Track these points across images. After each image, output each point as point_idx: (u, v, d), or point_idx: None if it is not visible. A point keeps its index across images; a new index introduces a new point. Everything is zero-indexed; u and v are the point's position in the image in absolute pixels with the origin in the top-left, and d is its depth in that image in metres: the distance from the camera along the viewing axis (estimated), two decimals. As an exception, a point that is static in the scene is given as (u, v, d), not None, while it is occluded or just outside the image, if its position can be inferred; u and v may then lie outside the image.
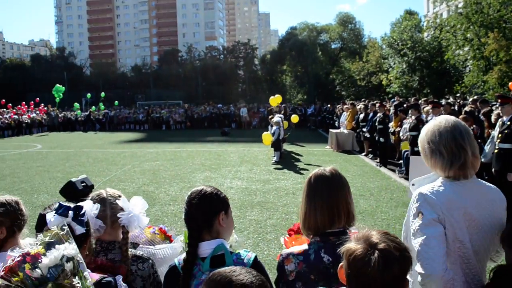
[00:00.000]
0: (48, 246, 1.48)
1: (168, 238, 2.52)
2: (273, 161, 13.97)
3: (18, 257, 1.41)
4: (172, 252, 2.35)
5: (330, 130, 18.50)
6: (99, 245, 2.09)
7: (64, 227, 1.59)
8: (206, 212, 1.93)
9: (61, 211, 1.78)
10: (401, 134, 12.16)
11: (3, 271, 1.39)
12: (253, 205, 8.35)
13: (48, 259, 1.44)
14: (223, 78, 57.80)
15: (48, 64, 65.58)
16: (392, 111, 14.13)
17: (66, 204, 1.85)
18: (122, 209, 2.11)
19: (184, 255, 1.98)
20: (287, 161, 14.15)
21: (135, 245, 2.30)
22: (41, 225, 2.07)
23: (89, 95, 39.28)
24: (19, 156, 17.52)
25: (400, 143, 12.68)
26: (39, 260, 1.42)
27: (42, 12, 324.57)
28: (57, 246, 1.49)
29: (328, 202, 1.94)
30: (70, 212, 1.80)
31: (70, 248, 1.49)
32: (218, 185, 9.44)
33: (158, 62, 75.85)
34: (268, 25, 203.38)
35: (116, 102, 40.43)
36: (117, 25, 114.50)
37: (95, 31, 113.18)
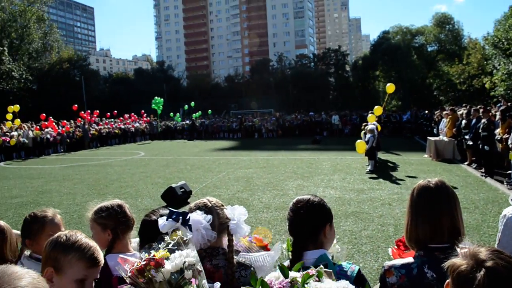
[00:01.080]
0: (171, 251, 1.58)
1: (264, 247, 2.56)
2: (367, 170, 13.60)
3: (144, 260, 1.55)
4: (270, 260, 2.39)
5: (428, 137, 17.54)
6: (204, 251, 2.15)
7: (187, 234, 1.70)
8: (313, 222, 1.95)
9: (174, 216, 1.88)
10: (509, 141, 11.20)
11: (130, 272, 1.55)
12: (347, 215, 8.20)
13: (171, 265, 1.54)
14: (313, 86, 57.58)
15: (149, 77, 70.31)
16: (498, 116, 13.04)
17: (175, 210, 1.95)
18: (227, 218, 2.17)
19: (286, 263, 2.00)
20: (382, 170, 13.69)
21: (237, 252, 2.35)
22: (145, 230, 2.28)
23: (192, 103, 41.39)
24: (124, 163, 18.88)
25: (508, 151, 11.65)
26: (163, 265, 1.53)
27: (144, 30, 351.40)
28: (179, 252, 1.58)
29: (431, 216, 1.86)
30: (180, 218, 1.91)
31: (191, 256, 1.58)
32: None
33: (250, 72, 77.62)
34: (359, 30, 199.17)
35: (210, 111, 42.21)
36: (211, 38, 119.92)
37: (191, 44, 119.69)
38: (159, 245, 1.68)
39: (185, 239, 1.66)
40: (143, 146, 29.13)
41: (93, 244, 1.77)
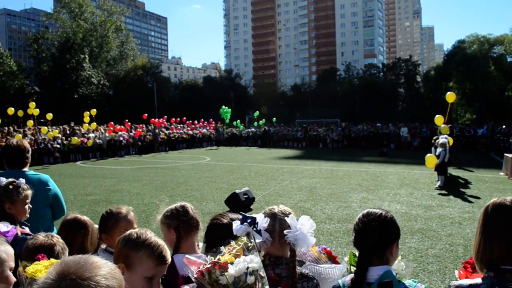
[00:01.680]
0: (236, 256, 1.63)
1: (332, 259, 2.53)
2: (437, 186, 12.99)
3: (209, 263, 1.62)
4: (338, 273, 2.36)
5: (505, 154, 16.44)
6: (268, 259, 2.15)
7: (251, 240, 1.74)
8: (383, 238, 1.92)
9: (249, 220, 1.94)
10: None
11: (196, 273, 1.62)
12: (413, 232, 7.89)
13: (234, 270, 1.59)
14: (382, 96, 56.07)
15: (217, 85, 72.08)
16: None
17: (248, 215, 2.01)
18: (290, 227, 2.14)
19: (348, 276, 1.98)
20: (452, 187, 13.00)
21: (301, 263, 2.34)
22: (214, 232, 2.34)
23: (256, 113, 42.06)
24: (191, 167, 19.48)
25: None
26: (227, 269, 1.59)
27: (213, 39, 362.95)
28: (243, 257, 1.63)
29: (506, 235, 1.76)
30: (252, 223, 1.96)
31: (254, 261, 1.61)
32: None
33: (317, 81, 77.11)
34: (432, 39, 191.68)
35: (274, 119, 42.44)
36: (278, 47, 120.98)
37: (259, 53, 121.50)
38: (225, 249, 1.73)
39: (249, 245, 1.70)
40: (210, 152, 29.84)
41: (161, 242, 1.82)
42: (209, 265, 1.62)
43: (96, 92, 54.82)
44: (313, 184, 13.72)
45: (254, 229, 1.95)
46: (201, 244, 2.54)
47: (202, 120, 39.87)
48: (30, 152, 3.80)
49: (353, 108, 56.02)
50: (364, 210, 2.04)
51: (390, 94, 58.02)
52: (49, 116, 26.33)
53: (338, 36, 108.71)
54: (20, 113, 25.03)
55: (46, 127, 25.34)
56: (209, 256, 1.76)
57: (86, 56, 54.61)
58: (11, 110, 24.06)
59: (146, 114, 33.72)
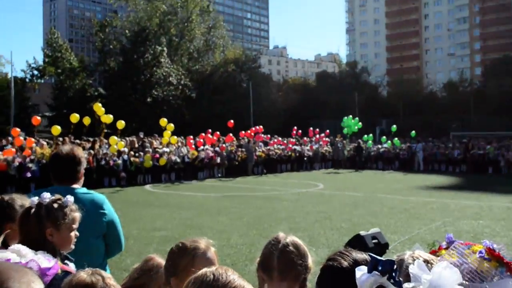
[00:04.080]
0: None
1: (502, 264, 2.21)
2: None
3: None
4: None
5: None
6: None
7: None
8: None
9: (381, 267, 1.88)
10: None
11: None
12: None
13: None
14: None
15: (336, 84, 72.47)
16: None
17: (379, 257, 1.96)
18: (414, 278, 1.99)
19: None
20: None
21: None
22: (330, 281, 2.29)
23: (393, 127, 40.74)
24: (297, 197, 19.68)
25: None
26: None
27: (331, 21, 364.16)
28: None
29: None
30: (388, 269, 1.90)
31: None
32: None
33: (482, 77, 74.35)
34: None
35: (413, 132, 40.65)
36: (424, 28, 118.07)
37: (395, 38, 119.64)
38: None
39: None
40: (324, 176, 29.88)
41: (248, 286, 1.80)
42: None
43: (175, 95, 57.20)
44: (479, 228, 13.08)
45: (392, 280, 1.88)
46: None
47: (314, 130, 39.75)
48: (83, 164, 3.96)
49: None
50: None
51: None
52: (120, 124, 26.32)
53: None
54: (87, 120, 25.54)
55: (116, 137, 25.78)
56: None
57: (164, 48, 57.22)
58: (75, 117, 24.82)
59: (232, 121, 33.70)
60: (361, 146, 37.39)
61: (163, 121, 28.10)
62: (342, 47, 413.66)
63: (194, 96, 60.08)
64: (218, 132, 31.89)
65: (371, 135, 39.90)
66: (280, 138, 37.36)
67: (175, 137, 28.42)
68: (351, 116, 38.70)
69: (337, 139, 39.31)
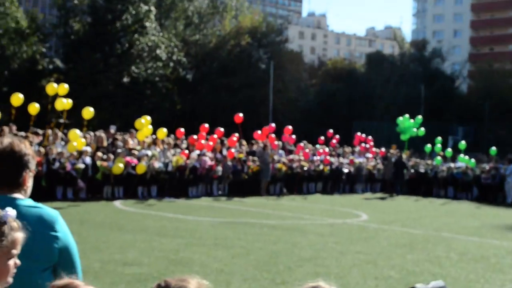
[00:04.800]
0: None
1: None
2: None
3: None
4: None
5: None
6: None
7: None
8: None
9: None
10: None
11: None
12: None
13: None
14: None
15: (394, 70, 71.47)
16: None
17: None
18: None
19: None
20: None
21: None
22: None
23: (462, 145, 40.43)
24: (329, 230, 19.60)
25: None
26: None
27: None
28: None
29: None
30: None
31: None
32: None
33: None
34: None
35: (493, 149, 40.30)
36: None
37: (486, 9, 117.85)
38: None
39: None
40: (368, 202, 29.96)
41: None
42: None
43: (163, 74, 56.54)
44: None
45: None
46: None
47: (361, 135, 39.71)
48: (31, 165, 3.70)
49: None
50: None
51: None
52: (88, 112, 26.30)
53: None
54: (33, 108, 25.25)
55: (77, 131, 25.27)
56: None
57: (152, 8, 56.35)
58: (18, 99, 24.72)
59: (241, 115, 32.92)
60: (403, 161, 36.86)
61: (143, 117, 27.57)
62: (406, 20, 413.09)
63: (191, 78, 59.73)
64: (221, 129, 31.01)
65: (439, 146, 39.45)
66: (310, 145, 36.84)
67: (165, 129, 28.17)
68: (407, 115, 38.41)
69: (391, 150, 39.03)
